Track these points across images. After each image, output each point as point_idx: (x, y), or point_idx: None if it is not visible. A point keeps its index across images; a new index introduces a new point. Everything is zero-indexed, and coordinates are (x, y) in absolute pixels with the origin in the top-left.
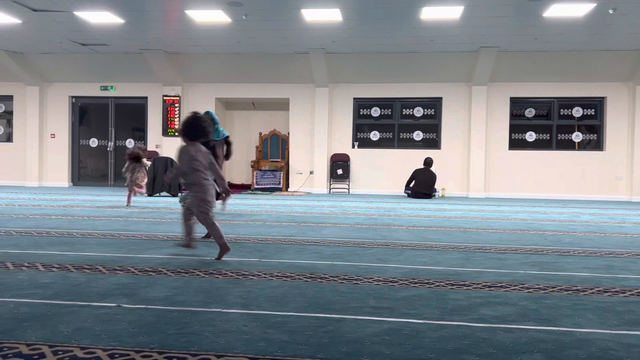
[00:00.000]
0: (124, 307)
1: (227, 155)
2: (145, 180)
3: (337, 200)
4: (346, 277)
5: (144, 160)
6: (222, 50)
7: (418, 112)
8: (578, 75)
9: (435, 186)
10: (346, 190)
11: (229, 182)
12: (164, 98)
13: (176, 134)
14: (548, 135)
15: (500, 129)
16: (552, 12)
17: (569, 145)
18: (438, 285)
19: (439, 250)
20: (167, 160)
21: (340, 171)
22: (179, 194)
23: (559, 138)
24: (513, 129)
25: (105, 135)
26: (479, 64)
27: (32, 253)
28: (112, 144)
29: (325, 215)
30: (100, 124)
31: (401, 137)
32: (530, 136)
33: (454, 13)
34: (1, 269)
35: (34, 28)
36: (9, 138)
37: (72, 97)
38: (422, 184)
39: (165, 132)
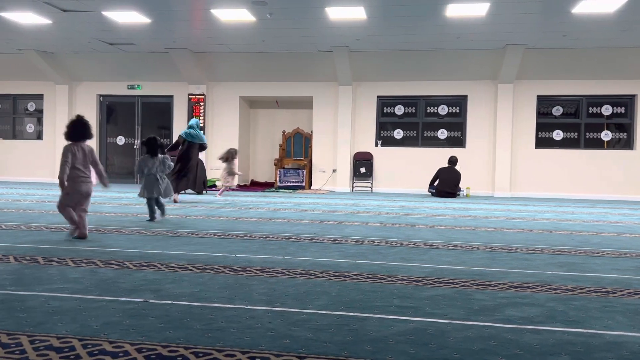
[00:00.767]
0: (150, 303)
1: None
2: (231, 179)
3: (360, 199)
4: (370, 275)
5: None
6: (247, 49)
7: (443, 110)
8: (608, 72)
9: (460, 185)
10: (369, 189)
11: (252, 179)
12: (189, 97)
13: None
14: (576, 133)
15: (527, 128)
16: (581, 8)
17: (598, 144)
18: (463, 285)
19: (464, 250)
20: None
21: (363, 169)
22: (204, 192)
23: (587, 137)
24: (540, 127)
25: (131, 133)
26: (505, 62)
27: (62, 248)
28: (139, 141)
29: (348, 213)
30: (127, 122)
31: (425, 135)
32: (558, 135)
33: (480, 10)
34: (32, 263)
35: (64, 28)
36: (39, 136)
37: (100, 95)
38: (446, 183)
39: None
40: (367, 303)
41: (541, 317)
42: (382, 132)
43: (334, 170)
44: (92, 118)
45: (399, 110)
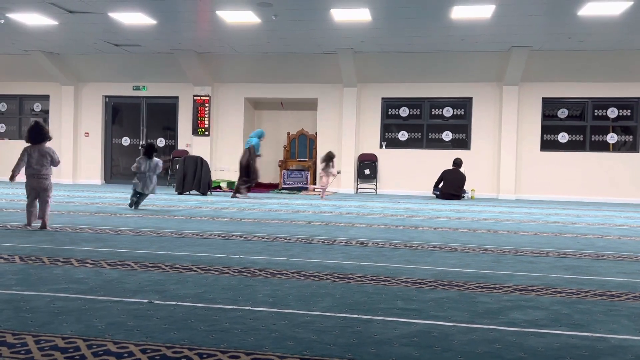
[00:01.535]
0: (155, 304)
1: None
2: (325, 180)
3: (365, 201)
4: (374, 277)
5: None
6: (252, 51)
7: (447, 112)
8: (613, 75)
9: (465, 187)
10: (373, 191)
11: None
12: (194, 98)
13: (206, 133)
14: (581, 136)
15: (532, 130)
16: (587, 10)
17: (603, 147)
18: (467, 288)
19: (468, 253)
20: (197, 159)
21: (367, 171)
22: (208, 192)
23: (592, 139)
24: (545, 129)
25: (137, 134)
26: (510, 64)
27: (67, 249)
28: (144, 142)
29: (352, 215)
30: (132, 123)
31: (430, 137)
32: (563, 137)
33: (485, 12)
34: (38, 263)
35: (70, 29)
36: None
37: (106, 96)
38: (451, 185)
39: (196, 132)
40: (371, 305)
41: (546, 321)
42: (386, 133)
43: (338, 172)
44: (98, 119)
45: (404, 112)
